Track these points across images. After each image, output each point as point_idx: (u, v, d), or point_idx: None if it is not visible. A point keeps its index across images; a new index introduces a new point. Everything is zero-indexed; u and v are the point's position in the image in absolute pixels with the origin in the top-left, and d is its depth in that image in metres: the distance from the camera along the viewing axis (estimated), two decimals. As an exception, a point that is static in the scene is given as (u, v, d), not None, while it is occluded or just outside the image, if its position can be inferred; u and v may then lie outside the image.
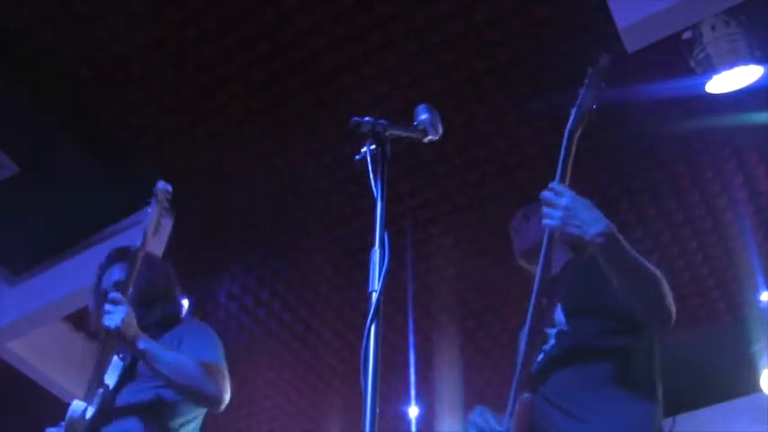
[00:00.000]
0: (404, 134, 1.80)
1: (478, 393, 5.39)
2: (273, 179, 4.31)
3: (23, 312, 4.55)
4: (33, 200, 4.25)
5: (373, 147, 1.72)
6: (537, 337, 2.20)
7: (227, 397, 2.41)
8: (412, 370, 5.19)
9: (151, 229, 2.61)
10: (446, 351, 5.28)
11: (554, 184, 2.11)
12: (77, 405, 2.38)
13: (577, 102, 2.19)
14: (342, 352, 5.28)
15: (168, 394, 2.42)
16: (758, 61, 3.51)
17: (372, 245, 1.61)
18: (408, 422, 5.40)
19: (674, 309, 2.11)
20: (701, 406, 5.43)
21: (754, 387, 5.25)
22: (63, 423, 2.40)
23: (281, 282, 4.84)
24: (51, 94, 3.91)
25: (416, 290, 4.79)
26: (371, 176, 1.68)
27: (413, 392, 5.30)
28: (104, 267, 2.68)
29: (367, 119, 1.73)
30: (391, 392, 5.34)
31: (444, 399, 5.53)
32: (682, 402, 5.19)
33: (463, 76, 3.84)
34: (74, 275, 4.39)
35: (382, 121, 1.74)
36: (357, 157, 1.73)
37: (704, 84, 3.61)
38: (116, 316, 2.31)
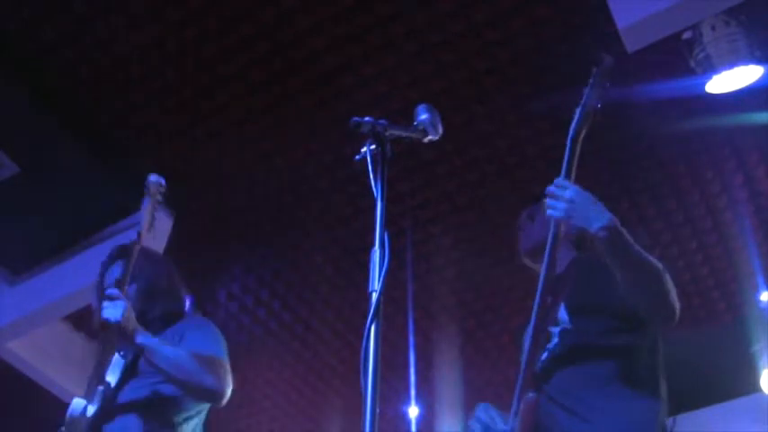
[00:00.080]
0: (404, 134, 1.80)
1: (478, 393, 5.39)
2: (273, 179, 4.31)
3: (23, 312, 4.55)
4: (33, 200, 4.24)
5: (373, 147, 1.71)
6: (541, 336, 2.20)
7: (228, 390, 2.40)
8: (412, 370, 5.19)
9: (146, 224, 2.60)
10: (446, 351, 5.28)
11: (559, 180, 2.13)
12: (77, 403, 2.38)
13: (582, 101, 2.21)
14: (342, 352, 5.28)
15: (168, 389, 2.41)
16: (758, 61, 3.51)
17: (372, 245, 1.60)
18: (408, 422, 5.40)
19: (678, 305, 2.11)
20: (701, 406, 5.44)
21: (754, 387, 5.26)
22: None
23: (281, 282, 4.84)
24: (51, 94, 3.91)
25: (416, 290, 4.79)
26: (371, 176, 1.68)
27: (413, 392, 5.31)
28: (106, 265, 2.68)
29: (367, 119, 1.73)
30: (391, 392, 5.34)
31: (444, 399, 5.53)
32: (682, 402, 5.17)
33: (463, 76, 3.84)
34: (74, 275, 4.39)
35: (382, 121, 1.74)
36: (357, 157, 1.73)
37: (704, 84, 3.61)
38: (116, 310, 2.31)
